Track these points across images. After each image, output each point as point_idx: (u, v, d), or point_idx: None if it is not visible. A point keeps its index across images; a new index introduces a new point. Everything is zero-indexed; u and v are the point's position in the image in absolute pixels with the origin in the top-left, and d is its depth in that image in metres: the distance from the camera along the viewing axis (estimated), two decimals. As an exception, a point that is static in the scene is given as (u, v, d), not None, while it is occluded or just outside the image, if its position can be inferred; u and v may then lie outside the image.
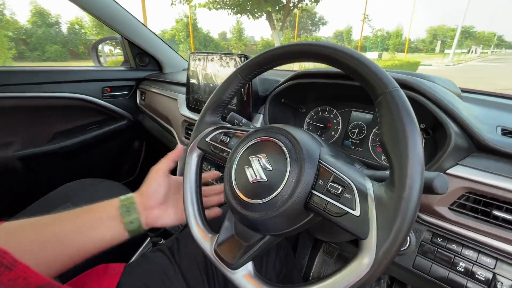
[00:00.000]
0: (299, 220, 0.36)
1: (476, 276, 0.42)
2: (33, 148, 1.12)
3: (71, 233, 0.40)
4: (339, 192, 0.32)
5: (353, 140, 0.68)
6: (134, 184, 1.48)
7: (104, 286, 0.43)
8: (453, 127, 0.43)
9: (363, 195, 0.31)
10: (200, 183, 0.51)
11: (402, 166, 0.27)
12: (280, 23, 7.92)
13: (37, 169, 1.16)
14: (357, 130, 0.67)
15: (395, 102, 0.30)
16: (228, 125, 0.52)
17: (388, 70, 0.52)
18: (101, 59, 1.44)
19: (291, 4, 7.42)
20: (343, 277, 0.29)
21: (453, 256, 0.45)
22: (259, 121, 0.73)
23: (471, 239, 0.43)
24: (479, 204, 0.43)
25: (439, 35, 53.71)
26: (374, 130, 0.64)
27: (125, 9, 1.14)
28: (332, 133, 0.71)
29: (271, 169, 0.37)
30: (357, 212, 0.30)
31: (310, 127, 0.75)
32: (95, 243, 0.41)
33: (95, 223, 0.42)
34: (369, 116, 0.66)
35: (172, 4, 6.99)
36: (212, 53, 0.82)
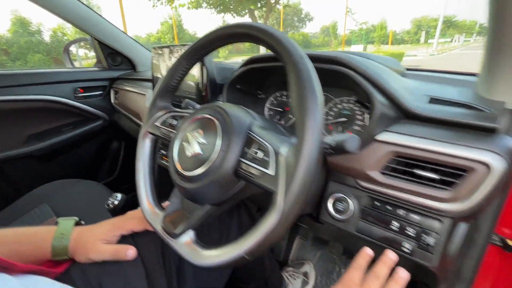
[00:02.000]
0: (231, 187, 0.39)
1: (407, 232, 0.46)
2: (6, 151, 1.12)
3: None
4: (261, 157, 0.35)
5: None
6: (114, 184, 1.49)
7: (59, 263, 0.45)
8: (378, 97, 0.46)
9: (278, 157, 0.34)
10: (153, 166, 0.53)
11: (302, 129, 0.30)
12: (263, 20, 7.95)
13: (12, 172, 1.16)
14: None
15: (298, 70, 0.33)
16: (177, 109, 0.54)
17: (333, 52, 0.55)
18: (76, 63, 1.45)
19: (273, 1, 7.45)
20: (256, 232, 0.32)
21: (388, 217, 0.48)
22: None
23: (402, 199, 0.47)
24: (405, 166, 0.46)
25: (423, 26, 54.67)
26: (325, 110, 0.67)
27: (93, 10, 1.15)
28: (289, 115, 0.74)
29: (206, 143, 0.40)
30: (272, 172, 0.33)
31: (271, 113, 0.78)
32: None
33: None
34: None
35: (153, 6, 6.93)
36: (173, 46, 0.84)
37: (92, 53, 1.53)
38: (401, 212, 0.48)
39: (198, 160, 0.39)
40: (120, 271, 0.46)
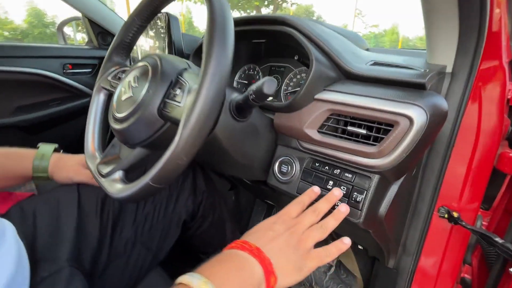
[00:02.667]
0: (157, 127, 0.40)
1: (340, 190, 0.47)
2: (-7, 120, 1.16)
3: None
4: (178, 93, 0.37)
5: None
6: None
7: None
8: (316, 56, 0.47)
9: (189, 91, 0.35)
10: (104, 118, 0.55)
11: (204, 67, 0.32)
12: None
13: (-2, 141, 1.20)
14: (274, 83, 0.71)
15: (212, 11, 0.34)
16: (129, 65, 0.56)
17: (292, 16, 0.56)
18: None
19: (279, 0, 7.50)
20: (160, 160, 0.33)
21: (325, 176, 0.49)
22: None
23: (337, 158, 0.47)
24: (340, 124, 0.47)
25: (437, 33, 53.69)
26: (285, 80, 0.68)
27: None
28: (255, 88, 0.75)
29: (137, 86, 0.41)
30: (182, 104, 0.35)
31: (239, 85, 0.79)
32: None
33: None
34: (283, 69, 0.70)
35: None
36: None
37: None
38: (336, 171, 0.48)
39: (129, 102, 0.41)
40: (54, 210, 0.48)
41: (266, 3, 7.21)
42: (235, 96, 0.48)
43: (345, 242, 0.41)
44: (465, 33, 0.42)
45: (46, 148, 0.56)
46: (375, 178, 0.44)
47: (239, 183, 0.93)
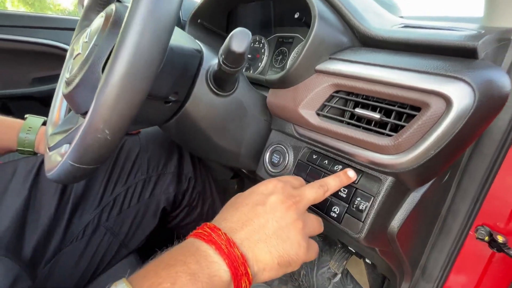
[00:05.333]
0: None
1: (339, 193, 0.35)
2: (12, 89, 1.18)
3: None
4: None
5: (276, 69, 0.61)
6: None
7: None
8: (321, 10, 0.35)
9: None
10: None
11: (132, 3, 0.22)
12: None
13: (16, 110, 1.23)
14: (280, 57, 0.60)
15: None
16: None
17: None
18: None
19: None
20: (75, 138, 0.25)
21: (323, 172, 0.38)
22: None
23: (340, 151, 0.36)
24: (346, 105, 0.35)
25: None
26: (293, 54, 0.57)
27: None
28: (259, 63, 0.64)
29: (87, 40, 0.34)
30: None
31: (243, 61, 0.69)
32: None
33: None
34: (291, 40, 0.58)
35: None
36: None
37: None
38: (338, 168, 0.37)
39: (77, 60, 0.33)
40: (5, 183, 0.43)
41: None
42: (216, 63, 0.38)
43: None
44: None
45: (34, 120, 0.52)
46: (387, 181, 0.32)
47: (238, 171, 0.83)
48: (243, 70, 0.67)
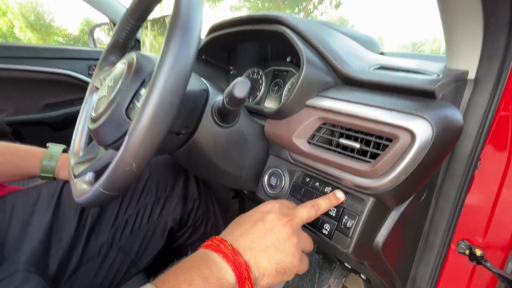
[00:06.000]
0: (125, 128, 0.38)
1: (329, 212, 0.40)
2: (24, 115, 1.25)
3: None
4: (142, 93, 0.34)
5: (273, 98, 0.67)
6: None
7: None
8: (309, 57, 0.42)
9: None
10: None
11: (160, 58, 0.28)
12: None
13: (27, 135, 1.29)
14: (276, 88, 0.67)
15: (176, 8, 0.31)
16: None
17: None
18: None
19: (311, 7, 7.42)
20: (108, 170, 0.30)
21: (315, 193, 0.43)
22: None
23: (328, 175, 0.41)
24: (333, 135, 0.41)
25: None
26: (287, 85, 0.63)
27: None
28: (257, 93, 0.71)
29: (111, 85, 0.40)
30: (139, 104, 0.32)
31: (243, 90, 0.76)
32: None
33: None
34: (286, 73, 0.65)
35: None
36: (152, 19, 0.87)
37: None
38: (327, 189, 0.42)
39: (103, 101, 0.39)
40: (31, 206, 0.47)
41: (296, 10, 7.21)
42: (220, 99, 0.44)
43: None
44: (492, 31, 0.34)
45: (55, 148, 0.57)
46: (370, 201, 0.37)
47: (239, 191, 0.88)
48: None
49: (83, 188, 0.37)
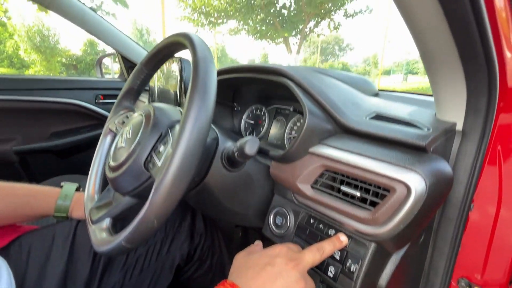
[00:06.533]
0: (142, 179, 0.41)
1: (333, 255, 0.42)
2: (32, 144, 1.28)
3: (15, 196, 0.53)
4: (161, 150, 0.37)
5: (275, 135, 0.71)
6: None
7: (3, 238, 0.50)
8: (310, 108, 0.46)
9: (170, 149, 0.35)
10: (107, 161, 0.58)
11: (182, 122, 0.32)
12: (298, 47, 8.23)
13: (33, 163, 1.32)
14: (279, 125, 0.71)
15: (196, 69, 0.35)
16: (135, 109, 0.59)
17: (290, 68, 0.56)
18: (110, 76, 1.64)
19: (307, 30, 7.72)
20: (133, 221, 0.32)
21: (319, 235, 0.45)
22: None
23: (332, 218, 0.44)
24: (335, 181, 0.44)
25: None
26: (289, 124, 0.67)
27: (117, 29, 1.32)
28: (261, 129, 0.75)
29: (130, 137, 0.43)
30: (160, 163, 0.35)
31: (246, 125, 0.80)
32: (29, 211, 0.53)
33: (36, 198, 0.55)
34: (288, 112, 0.69)
35: (196, 31, 7.64)
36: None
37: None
38: (331, 232, 0.44)
39: (122, 152, 0.42)
40: (47, 248, 0.49)
41: (294, 33, 7.51)
42: (229, 146, 0.48)
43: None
44: (474, 90, 0.38)
45: (69, 188, 0.60)
46: (372, 246, 0.39)
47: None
48: (247, 134, 0.78)
49: (103, 237, 0.39)
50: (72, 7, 1.16)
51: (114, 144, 0.47)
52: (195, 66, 0.35)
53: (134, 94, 0.59)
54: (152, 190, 0.31)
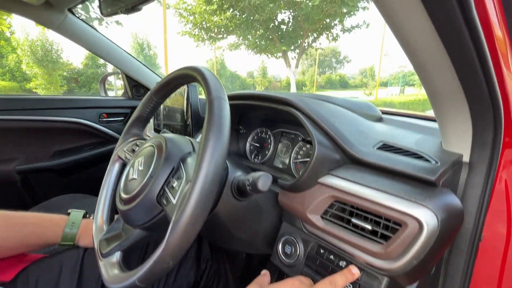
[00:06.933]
0: (154, 213, 0.41)
1: (346, 287, 0.42)
2: (34, 163, 1.28)
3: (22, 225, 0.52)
4: (174, 185, 0.38)
5: (281, 158, 0.72)
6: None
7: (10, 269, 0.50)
8: (318, 138, 0.46)
9: (185, 185, 0.35)
10: (115, 189, 0.58)
11: (198, 162, 0.32)
12: (296, 61, 8.40)
13: (35, 182, 1.31)
14: (284, 149, 0.71)
15: (211, 109, 0.36)
16: (146, 137, 0.60)
17: (295, 93, 0.58)
18: (113, 92, 1.66)
19: (305, 44, 7.90)
20: (148, 261, 0.32)
21: (330, 267, 0.45)
22: (198, 138, 0.80)
23: (343, 250, 0.44)
24: (345, 213, 0.44)
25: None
26: (295, 148, 0.68)
27: (122, 49, 1.36)
28: (266, 152, 0.76)
29: (142, 169, 0.43)
30: (175, 200, 0.35)
31: (252, 147, 0.80)
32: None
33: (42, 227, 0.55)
34: (293, 136, 0.70)
35: (197, 46, 7.81)
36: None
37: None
38: (343, 264, 0.44)
39: (133, 184, 0.43)
40: (54, 279, 0.48)
41: (292, 47, 7.71)
42: (238, 175, 0.48)
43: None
44: (480, 126, 0.39)
45: (76, 215, 0.60)
46: (384, 280, 0.39)
47: None
48: (252, 158, 0.79)
49: (115, 273, 0.39)
50: (79, 30, 1.19)
51: (125, 175, 0.47)
52: (210, 105, 0.36)
53: (143, 121, 0.60)
54: (168, 231, 0.31)
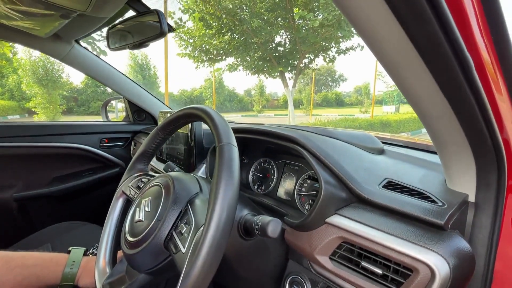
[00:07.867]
0: (161, 258, 0.40)
1: (358, 335, 0.41)
2: (32, 190, 1.26)
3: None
4: (183, 231, 0.37)
5: (284, 190, 0.72)
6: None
7: None
8: (325, 177, 0.47)
9: (196, 235, 0.35)
10: (119, 226, 0.57)
11: (210, 210, 0.32)
12: (293, 81, 8.61)
13: (31, 209, 1.28)
14: (288, 180, 0.72)
15: (222, 154, 0.36)
16: (152, 172, 0.60)
17: (298, 126, 0.59)
18: (113, 114, 1.68)
19: (302, 65, 8.14)
20: None
21: (339, 311, 0.44)
22: (201, 170, 0.80)
23: None
24: (353, 255, 0.43)
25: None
26: (299, 181, 0.68)
27: (124, 75, 1.39)
28: (269, 182, 0.76)
29: (149, 210, 0.43)
30: (184, 249, 0.35)
31: (254, 177, 0.81)
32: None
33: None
34: (297, 168, 0.70)
35: (197, 67, 8.00)
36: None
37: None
38: (352, 307, 0.43)
39: (140, 227, 0.42)
40: None
41: (289, 68, 7.94)
42: (245, 215, 0.48)
43: None
44: (483, 169, 0.40)
45: (77, 252, 0.59)
46: None
47: None
48: (256, 189, 0.78)
49: None
50: (84, 59, 1.22)
51: (130, 214, 0.47)
52: (221, 152, 0.36)
53: (148, 156, 0.60)
54: (179, 284, 0.31)
